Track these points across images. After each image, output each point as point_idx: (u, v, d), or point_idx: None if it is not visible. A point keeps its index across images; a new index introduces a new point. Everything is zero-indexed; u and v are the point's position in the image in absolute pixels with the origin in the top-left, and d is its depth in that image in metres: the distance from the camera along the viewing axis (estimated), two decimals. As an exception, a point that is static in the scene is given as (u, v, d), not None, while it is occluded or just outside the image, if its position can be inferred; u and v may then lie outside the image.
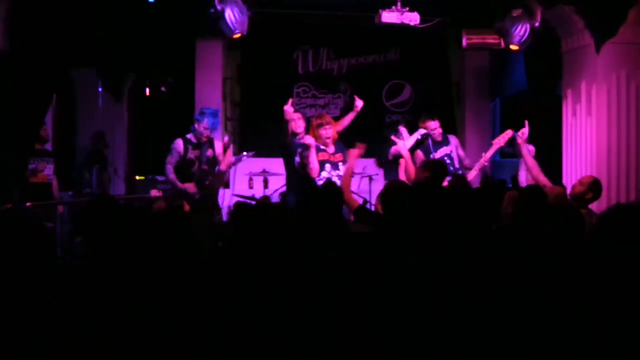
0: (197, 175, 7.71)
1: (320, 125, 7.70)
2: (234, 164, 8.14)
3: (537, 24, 8.23)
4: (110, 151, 11.18)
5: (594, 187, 6.51)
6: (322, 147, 7.66)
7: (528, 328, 2.94)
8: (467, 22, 9.81)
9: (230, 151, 7.67)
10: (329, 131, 7.70)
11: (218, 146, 7.87)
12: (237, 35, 7.96)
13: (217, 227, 7.79)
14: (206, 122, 7.67)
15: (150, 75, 11.77)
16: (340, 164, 7.64)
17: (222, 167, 7.71)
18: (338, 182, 7.07)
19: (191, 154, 7.70)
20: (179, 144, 7.68)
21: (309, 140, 7.55)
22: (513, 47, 8.47)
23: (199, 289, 3.08)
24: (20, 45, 6.19)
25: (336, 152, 7.73)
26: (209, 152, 7.80)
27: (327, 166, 7.64)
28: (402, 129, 8.56)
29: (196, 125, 7.69)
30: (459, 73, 11.57)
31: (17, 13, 6.23)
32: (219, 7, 7.64)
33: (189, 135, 7.74)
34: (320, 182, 7.75)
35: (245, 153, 8.36)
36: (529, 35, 8.29)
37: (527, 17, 8.30)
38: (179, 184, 7.53)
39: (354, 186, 7.97)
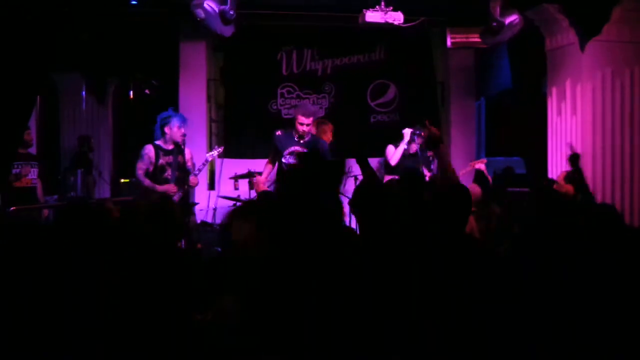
0: (170, 180, 7.56)
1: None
2: (204, 164, 8.01)
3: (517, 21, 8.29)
4: (95, 154, 11.12)
5: (570, 178, 6.53)
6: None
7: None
8: (451, 21, 9.82)
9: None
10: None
11: (187, 152, 7.71)
12: (229, 28, 7.87)
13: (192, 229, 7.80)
14: (174, 121, 7.51)
15: (133, 78, 11.72)
16: None
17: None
18: None
19: (162, 160, 7.51)
20: (150, 149, 7.49)
21: None
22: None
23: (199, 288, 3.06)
24: (2, 48, 6.13)
25: None
26: (179, 158, 7.58)
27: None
28: (407, 131, 8.89)
29: (167, 130, 7.50)
30: (443, 72, 11.58)
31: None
32: (205, 8, 7.58)
33: (158, 142, 7.55)
34: None
35: (217, 148, 8.34)
36: (508, 29, 8.34)
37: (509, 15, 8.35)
38: (158, 187, 7.39)
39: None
